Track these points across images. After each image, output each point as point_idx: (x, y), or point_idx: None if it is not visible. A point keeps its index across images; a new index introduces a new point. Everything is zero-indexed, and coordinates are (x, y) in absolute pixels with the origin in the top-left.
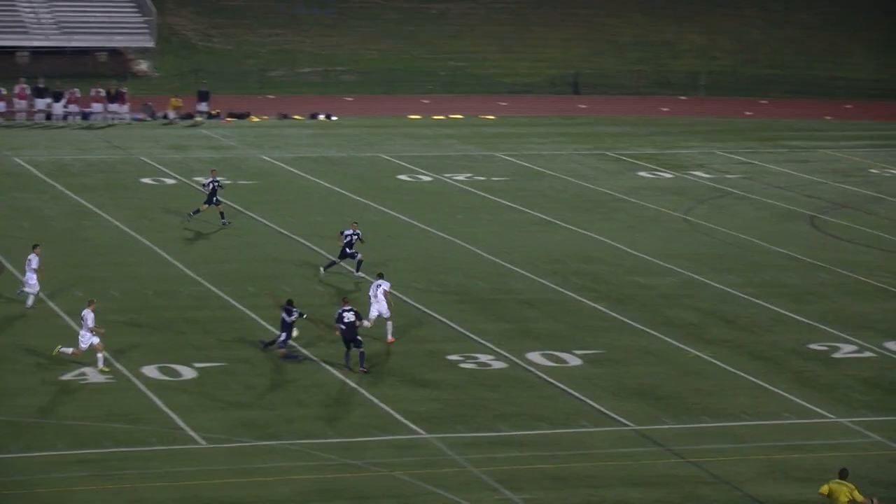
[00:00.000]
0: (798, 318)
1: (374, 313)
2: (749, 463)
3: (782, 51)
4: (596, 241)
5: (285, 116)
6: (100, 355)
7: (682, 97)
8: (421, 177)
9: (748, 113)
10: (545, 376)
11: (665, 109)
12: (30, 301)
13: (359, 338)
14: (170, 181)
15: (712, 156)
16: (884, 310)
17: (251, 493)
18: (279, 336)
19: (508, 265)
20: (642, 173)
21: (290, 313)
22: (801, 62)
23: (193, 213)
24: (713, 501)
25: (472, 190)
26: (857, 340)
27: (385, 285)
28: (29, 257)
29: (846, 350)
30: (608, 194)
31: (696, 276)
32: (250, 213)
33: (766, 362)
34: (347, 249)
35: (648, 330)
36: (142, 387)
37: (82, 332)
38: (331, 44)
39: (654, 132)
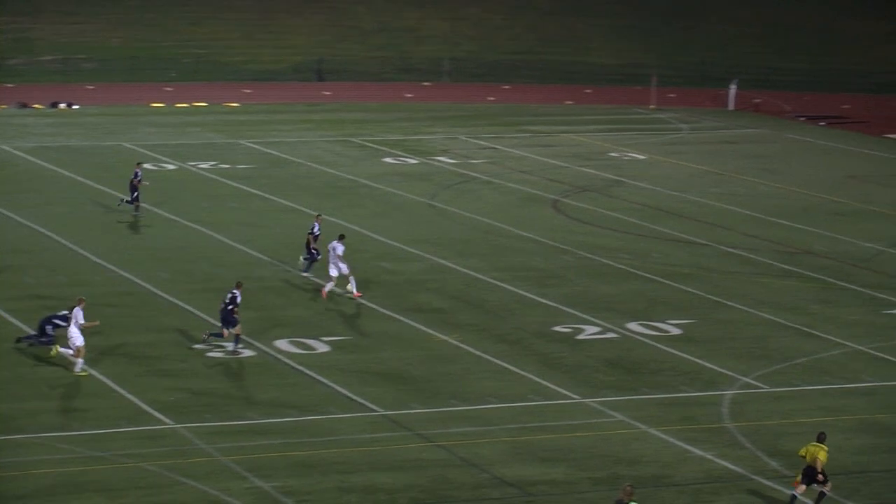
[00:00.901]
0: (543, 300)
1: (333, 272)
2: (496, 445)
3: (523, 37)
4: (343, 228)
5: (25, 105)
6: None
7: (426, 83)
8: (165, 165)
9: (491, 98)
10: (293, 364)
11: (409, 95)
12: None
13: (235, 316)
14: None
15: (456, 141)
16: (625, 291)
17: None
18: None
19: (255, 253)
20: (387, 159)
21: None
22: (541, 48)
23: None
24: (461, 484)
25: (218, 178)
26: (600, 322)
27: (339, 248)
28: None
29: (590, 332)
30: (354, 181)
31: (442, 261)
32: None
33: (512, 345)
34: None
35: (396, 315)
36: None
37: (73, 330)
38: (71, 31)
39: (399, 118)
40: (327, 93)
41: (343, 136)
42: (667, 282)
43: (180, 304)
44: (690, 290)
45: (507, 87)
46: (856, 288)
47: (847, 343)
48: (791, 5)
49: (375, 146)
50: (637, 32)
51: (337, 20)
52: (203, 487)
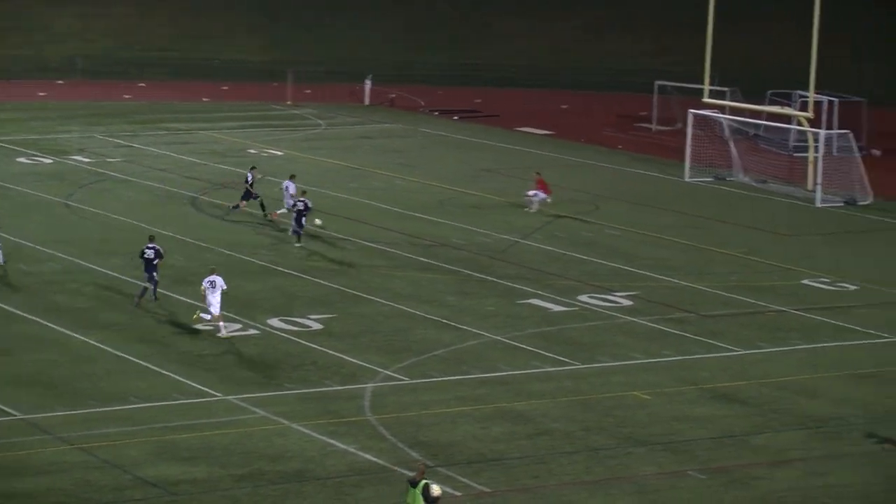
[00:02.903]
0: (184, 299)
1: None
2: (139, 445)
3: (159, 32)
4: None
5: None
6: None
7: (60, 81)
8: None
9: (127, 96)
10: None
11: (42, 94)
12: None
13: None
14: None
15: (92, 140)
16: (266, 287)
17: None
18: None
19: None
20: (21, 159)
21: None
22: (178, 44)
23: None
24: (103, 486)
25: None
26: (241, 319)
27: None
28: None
29: (231, 329)
30: None
31: (80, 261)
32: None
33: (154, 344)
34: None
35: (33, 317)
36: None
37: (213, 297)
38: None
39: (33, 117)
40: None
41: None
42: (307, 277)
43: None
44: (331, 284)
45: (142, 84)
46: (492, 279)
47: (484, 333)
48: (423, 1)
49: (9, 146)
50: (274, 29)
51: None
52: None
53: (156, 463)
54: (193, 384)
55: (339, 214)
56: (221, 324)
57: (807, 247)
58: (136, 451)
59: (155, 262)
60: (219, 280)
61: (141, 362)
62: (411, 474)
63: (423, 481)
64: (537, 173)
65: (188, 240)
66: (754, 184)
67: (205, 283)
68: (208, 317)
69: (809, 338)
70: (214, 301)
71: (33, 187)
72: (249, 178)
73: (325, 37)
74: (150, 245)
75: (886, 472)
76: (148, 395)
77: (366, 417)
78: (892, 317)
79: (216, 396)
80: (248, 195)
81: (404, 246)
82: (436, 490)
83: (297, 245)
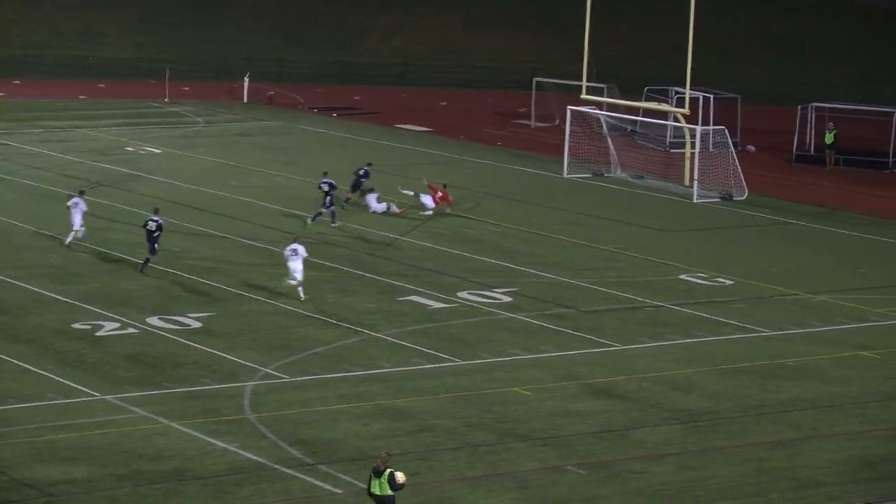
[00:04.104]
0: (61, 298)
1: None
2: (15, 447)
3: (35, 30)
4: None
5: None
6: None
7: None
8: None
9: (1, 94)
10: None
11: None
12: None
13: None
14: None
15: None
16: (144, 286)
17: None
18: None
19: None
20: None
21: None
22: (54, 42)
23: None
24: None
25: None
26: (119, 317)
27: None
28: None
29: (109, 328)
30: None
31: None
32: None
33: (31, 344)
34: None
35: None
36: None
37: (295, 264)
38: None
39: None
40: None
41: None
42: (186, 275)
43: None
44: (210, 282)
45: (17, 81)
46: (372, 276)
47: (364, 331)
48: None
49: None
50: (152, 26)
51: None
52: None
53: (32, 464)
54: (71, 384)
55: (218, 212)
56: (301, 290)
57: (684, 242)
58: (11, 451)
59: (156, 235)
60: (300, 248)
61: (17, 362)
62: (375, 464)
63: (388, 470)
64: (444, 185)
65: (61, 238)
66: (632, 179)
67: (287, 251)
68: (294, 282)
69: (687, 332)
70: (297, 268)
71: None
72: (362, 172)
73: (202, 35)
74: (153, 217)
75: (758, 466)
76: (24, 395)
77: (246, 416)
78: (767, 311)
79: (95, 396)
80: (356, 186)
81: (284, 243)
82: (400, 477)
83: (334, 225)
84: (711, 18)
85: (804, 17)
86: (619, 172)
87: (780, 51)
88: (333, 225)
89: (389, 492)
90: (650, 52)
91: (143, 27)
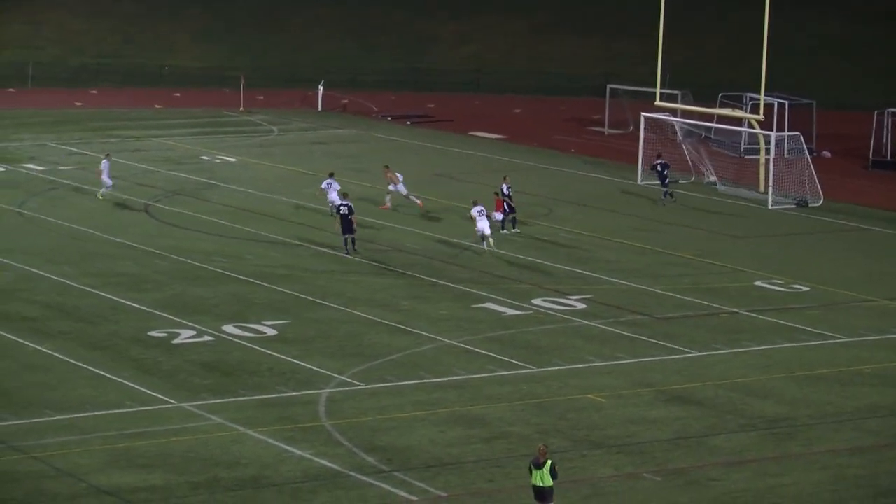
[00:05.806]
0: (137, 305)
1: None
2: (93, 454)
3: (108, 39)
4: None
5: None
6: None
7: (11, 89)
8: None
9: (78, 103)
10: None
11: None
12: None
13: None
14: None
15: (44, 148)
16: (220, 294)
17: None
18: None
19: None
20: None
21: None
22: (128, 51)
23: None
24: (57, 495)
25: None
26: (195, 325)
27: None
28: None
29: (185, 335)
30: None
31: (33, 270)
32: None
33: (107, 352)
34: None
35: None
36: None
37: (482, 223)
38: None
39: None
40: None
41: None
42: (261, 283)
43: None
44: (285, 290)
45: (94, 91)
46: (445, 283)
47: (438, 338)
48: (373, 6)
49: None
50: (224, 35)
51: None
52: None
53: (110, 471)
54: (147, 391)
55: (293, 220)
56: (492, 240)
57: (759, 248)
58: (90, 459)
59: (350, 217)
60: (483, 209)
61: (94, 369)
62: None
63: (549, 461)
64: (495, 193)
65: (141, 246)
66: (714, 184)
67: (474, 212)
68: (485, 242)
69: (762, 339)
70: (484, 226)
71: None
72: (505, 190)
73: (276, 43)
74: (343, 202)
75: (836, 473)
76: (100, 402)
77: (321, 423)
78: (844, 318)
79: (171, 404)
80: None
81: (358, 251)
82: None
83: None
84: (779, 23)
85: (881, 22)
86: (695, 179)
87: (854, 57)
88: (506, 231)
89: (551, 483)
90: (718, 58)
91: (212, 36)
